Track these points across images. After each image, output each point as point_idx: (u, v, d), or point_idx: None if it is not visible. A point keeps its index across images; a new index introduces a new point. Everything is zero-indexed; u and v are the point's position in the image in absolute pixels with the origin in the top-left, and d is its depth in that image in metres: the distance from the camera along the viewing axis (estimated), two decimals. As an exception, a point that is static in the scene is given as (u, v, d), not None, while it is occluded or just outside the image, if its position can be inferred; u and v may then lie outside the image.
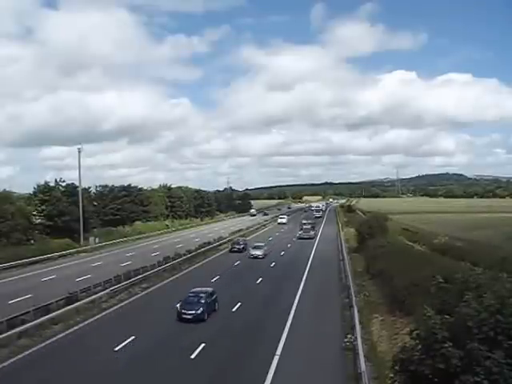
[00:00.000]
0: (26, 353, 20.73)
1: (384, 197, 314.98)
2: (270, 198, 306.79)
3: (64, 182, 71.16)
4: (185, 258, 47.94)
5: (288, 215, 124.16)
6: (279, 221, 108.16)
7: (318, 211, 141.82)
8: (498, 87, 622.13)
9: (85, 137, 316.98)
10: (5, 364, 19.33)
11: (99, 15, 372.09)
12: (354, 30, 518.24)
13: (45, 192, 65.10)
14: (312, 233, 73.18)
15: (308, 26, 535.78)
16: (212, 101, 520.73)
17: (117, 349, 21.17)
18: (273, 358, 19.82)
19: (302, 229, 74.51)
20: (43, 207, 63.40)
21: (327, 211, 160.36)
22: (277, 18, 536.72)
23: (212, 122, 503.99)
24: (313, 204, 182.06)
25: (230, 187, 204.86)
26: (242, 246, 57.22)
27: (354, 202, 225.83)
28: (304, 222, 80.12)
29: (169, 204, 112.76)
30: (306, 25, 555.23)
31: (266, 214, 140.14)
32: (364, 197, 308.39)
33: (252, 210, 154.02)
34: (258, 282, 37.84)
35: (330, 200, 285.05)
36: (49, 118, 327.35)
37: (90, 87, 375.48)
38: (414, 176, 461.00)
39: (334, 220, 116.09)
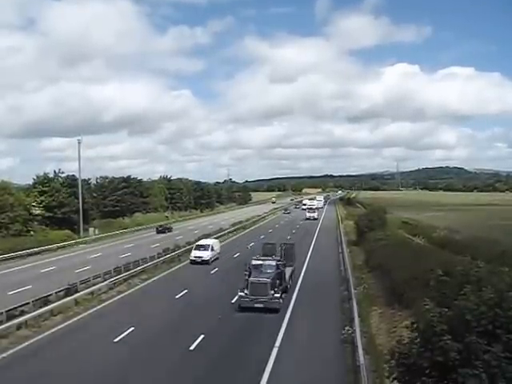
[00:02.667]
0: (26, 343, 20.77)
1: (384, 190, 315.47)
2: (270, 190, 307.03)
3: (63, 173, 71.49)
4: (184, 249, 48.00)
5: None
6: (192, 255, 42.57)
7: (311, 211, 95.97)
8: (501, 81, 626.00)
9: (85, 128, 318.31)
10: (4, 355, 19.39)
11: (102, 6, 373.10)
12: (358, 23, 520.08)
13: (44, 183, 65.15)
14: (277, 302, 26.00)
15: (312, 18, 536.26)
16: (214, 93, 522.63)
17: (116, 340, 21.20)
18: (272, 350, 19.84)
19: (249, 273, 27.54)
20: (42, 198, 63.44)
21: (325, 208, 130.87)
22: (281, 9, 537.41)
23: (213, 113, 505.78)
24: (306, 201, 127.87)
25: (230, 179, 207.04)
26: None
27: (353, 194, 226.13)
28: (253, 261, 28.93)
29: (168, 196, 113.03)
30: (310, 17, 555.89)
31: (292, 200, 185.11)
32: (364, 190, 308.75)
33: (273, 198, 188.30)
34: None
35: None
36: (50, 109, 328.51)
37: (92, 78, 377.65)
38: (414, 169, 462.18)
39: (333, 213, 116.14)
